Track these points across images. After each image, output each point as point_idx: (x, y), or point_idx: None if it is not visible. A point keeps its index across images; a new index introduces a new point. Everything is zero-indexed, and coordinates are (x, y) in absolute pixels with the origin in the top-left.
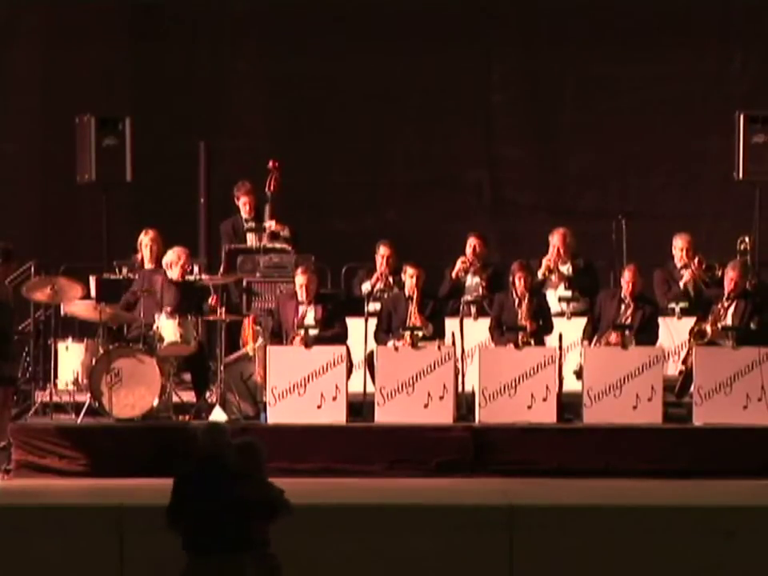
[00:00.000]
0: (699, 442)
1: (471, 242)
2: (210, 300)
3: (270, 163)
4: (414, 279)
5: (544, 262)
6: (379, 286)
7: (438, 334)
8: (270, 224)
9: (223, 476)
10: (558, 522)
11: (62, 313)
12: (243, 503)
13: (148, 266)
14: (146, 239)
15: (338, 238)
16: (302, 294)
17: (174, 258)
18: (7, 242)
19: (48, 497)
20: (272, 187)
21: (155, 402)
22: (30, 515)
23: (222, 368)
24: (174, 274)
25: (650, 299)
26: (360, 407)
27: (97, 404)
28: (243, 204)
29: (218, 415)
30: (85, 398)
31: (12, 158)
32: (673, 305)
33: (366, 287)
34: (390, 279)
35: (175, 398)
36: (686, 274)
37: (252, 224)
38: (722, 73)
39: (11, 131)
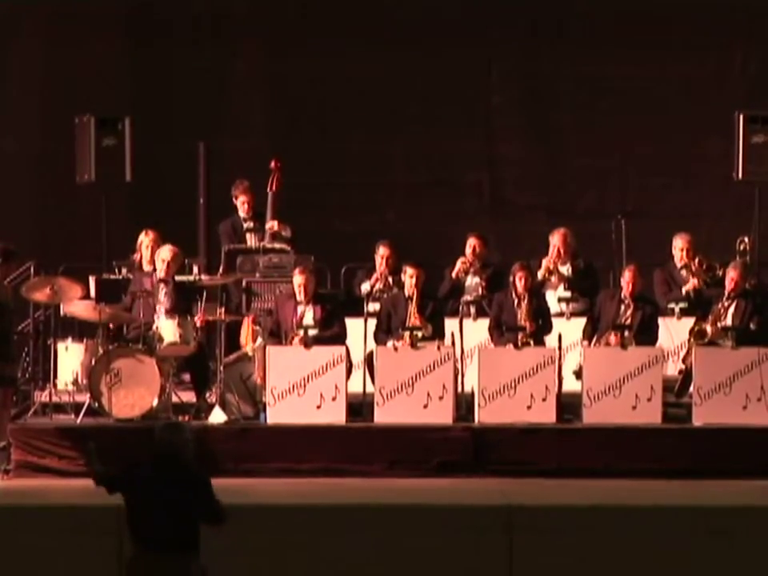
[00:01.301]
0: (699, 442)
1: (471, 243)
2: (197, 320)
3: (272, 163)
4: (414, 279)
5: (544, 262)
6: (378, 286)
7: (438, 334)
8: (272, 224)
9: (179, 475)
10: (558, 522)
11: (61, 313)
12: (196, 504)
13: (147, 267)
14: (146, 240)
15: (337, 238)
16: (300, 294)
17: (157, 255)
18: (8, 242)
19: (48, 497)
20: (274, 187)
21: (155, 403)
22: (29, 515)
23: (221, 368)
24: (161, 272)
25: (649, 299)
26: (360, 407)
27: (96, 404)
28: (242, 203)
29: (217, 415)
30: (84, 398)
31: (12, 157)
32: (672, 305)
33: (365, 287)
34: (390, 279)
35: (175, 399)
36: (690, 283)
37: (251, 224)
38: (722, 73)
39: (11, 131)
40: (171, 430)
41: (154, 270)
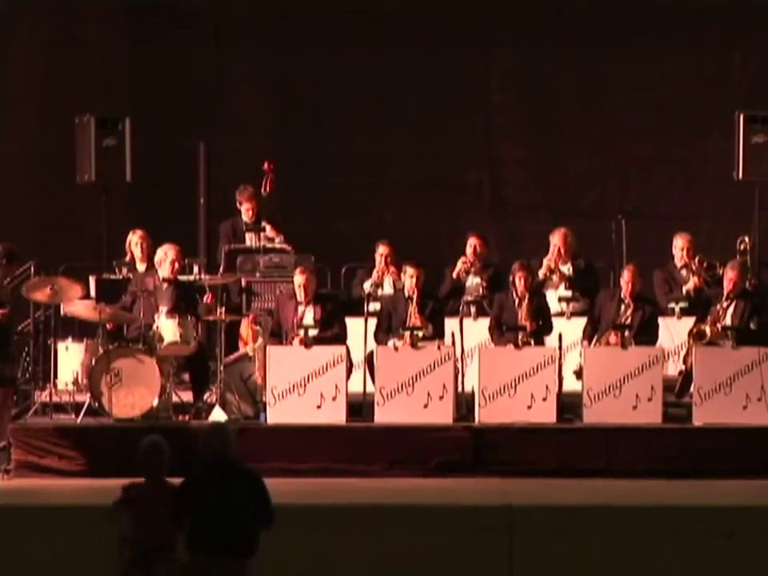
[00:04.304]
0: (699, 442)
1: (471, 243)
2: (205, 298)
3: (265, 165)
4: (414, 279)
5: (545, 261)
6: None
7: (438, 334)
8: (267, 227)
9: (233, 476)
10: (558, 522)
11: (61, 313)
12: (249, 504)
13: (140, 266)
14: (134, 238)
15: (337, 238)
16: (300, 294)
17: (162, 255)
18: (11, 243)
19: (48, 497)
20: (267, 188)
21: (155, 402)
22: (29, 515)
23: (221, 368)
24: (164, 271)
25: (649, 299)
26: (360, 407)
27: (96, 404)
28: (246, 210)
29: (217, 415)
30: (84, 398)
31: (12, 157)
32: (673, 304)
33: (367, 286)
34: (392, 275)
35: (175, 398)
36: (690, 282)
37: (251, 224)
38: (722, 73)
39: (11, 131)
40: (219, 433)
41: (149, 268)
